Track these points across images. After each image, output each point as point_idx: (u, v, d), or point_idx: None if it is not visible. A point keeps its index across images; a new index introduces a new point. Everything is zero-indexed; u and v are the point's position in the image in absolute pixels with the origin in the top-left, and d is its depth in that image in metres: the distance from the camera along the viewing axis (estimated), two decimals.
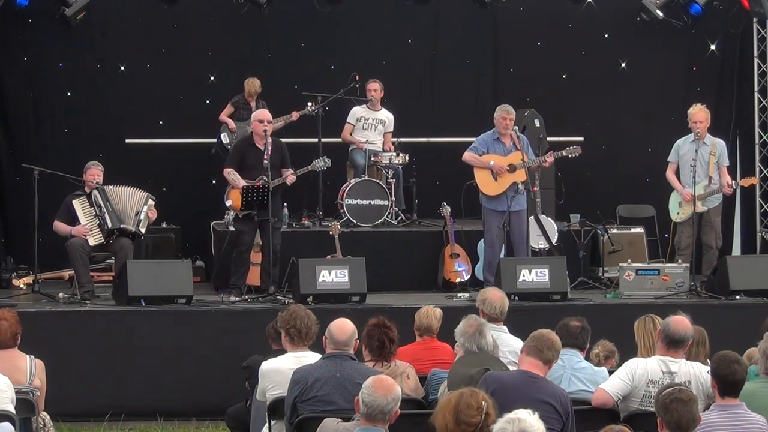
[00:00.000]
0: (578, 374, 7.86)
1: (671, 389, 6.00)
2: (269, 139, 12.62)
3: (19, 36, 14.90)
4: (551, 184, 14.61)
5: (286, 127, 14.56)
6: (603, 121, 16.03)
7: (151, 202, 12.58)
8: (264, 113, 13.03)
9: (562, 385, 7.47)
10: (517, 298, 11.87)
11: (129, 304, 11.73)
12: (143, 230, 12.57)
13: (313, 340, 7.86)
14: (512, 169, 12.75)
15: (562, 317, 8.18)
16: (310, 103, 14.34)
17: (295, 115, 14.52)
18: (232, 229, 13.06)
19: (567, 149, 13.17)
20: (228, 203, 12.81)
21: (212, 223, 14.18)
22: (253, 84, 14.56)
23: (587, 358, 8.32)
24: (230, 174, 12.74)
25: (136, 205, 12.49)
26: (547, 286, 12.24)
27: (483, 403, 5.38)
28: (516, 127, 12.94)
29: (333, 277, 12.01)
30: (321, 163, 13.20)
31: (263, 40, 15.58)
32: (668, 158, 13.53)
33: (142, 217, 12.49)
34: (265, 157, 12.59)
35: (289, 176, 12.75)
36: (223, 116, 14.79)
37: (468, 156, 12.97)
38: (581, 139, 15.63)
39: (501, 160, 12.82)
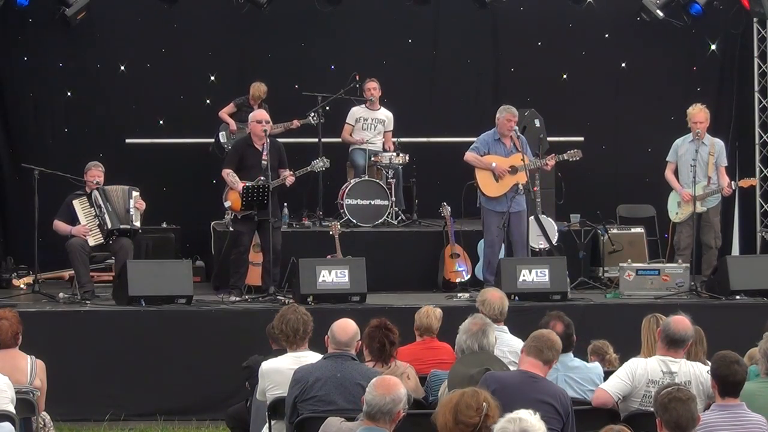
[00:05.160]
0: (573, 374, 7.89)
1: (670, 389, 6.00)
2: (267, 140, 12.65)
3: (19, 36, 14.91)
4: (551, 184, 14.62)
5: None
6: (603, 121, 16.03)
7: (135, 193, 12.54)
8: (262, 113, 13.05)
9: None
10: (517, 298, 11.87)
11: (129, 304, 11.73)
12: (138, 224, 12.56)
13: (309, 337, 7.86)
14: (514, 170, 12.75)
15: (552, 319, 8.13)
16: (312, 114, 14.33)
17: (295, 123, 14.55)
18: (231, 230, 13.06)
19: (568, 153, 13.16)
20: (227, 204, 12.81)
21: (212, 223, 14.19)
22: (258, 88, 14.56)
23: (583, 357, 8.35)
24: (229, 175, 12.74)
25: (125, 201, 12.49)
26: (547, 286, 12.24)
27: (483, 404, 5.37)
28: (516, 128, 12.92)
29: (333, 277, 12.01)
30: (320, 164, 13.20)
31: (263, 40, 15.58)
32: (667, 158, 13.53)
33: (132, 211, 12.47)
34: (264, 157, 12.62)
35: (288, 177, 12.77)
36: (223, 113, 14.81)
37: (470, 156, 12.96)
38: (581, 139, 15.65)
39: (503, 162, 12.81)
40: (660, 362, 7.38)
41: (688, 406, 5.90)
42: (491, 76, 16.11)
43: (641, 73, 15.96)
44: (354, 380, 7.08)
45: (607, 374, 7.82)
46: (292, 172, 12.86)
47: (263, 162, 12.64)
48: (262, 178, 12.58)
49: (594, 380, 7.91)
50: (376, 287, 12.52)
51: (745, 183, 13.89)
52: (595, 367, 8.13)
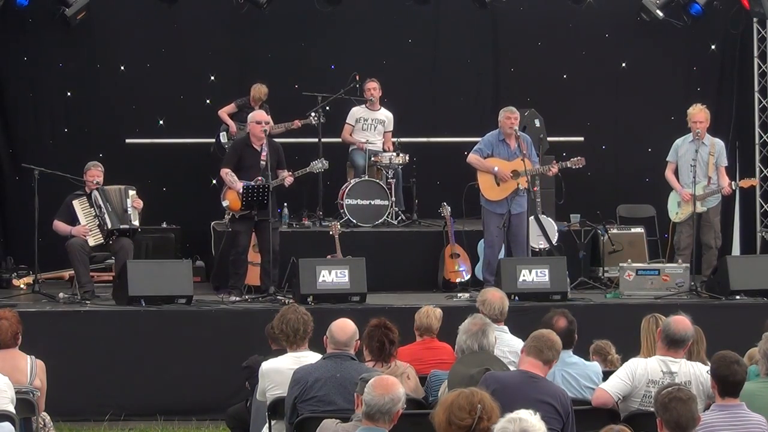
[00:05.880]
0: (570, 369, 7.91)
1: (670, 389, 5.99)
2: (266, 140, 12.67)
3: (19, 36, 14.90)
4: (551, 184, 14.61)
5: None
6: (603, 121, 16.03)
7: (131, 192, 12.54)
8: (261, 114, 13.08)
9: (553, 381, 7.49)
10: (517, 298, 11.87)
11: (129, 304, 11.73)
12: (137, 223, 12.56)
13: (309, 337, 7.86)
14: (516, 175, 12.74)
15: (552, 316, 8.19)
16: (313, 114, 14.34)
17: (297, 124, 14.55)
18: (229, 230, 13.08)
19: (571, 160, 13.19)
20: (225, 204, 12.83)
21: (212, 223, 14.19)
22: (259, 90, 14.54)
23: (584, 357, 8.35)
24: (228, 175, 12.76)
25: (122, 200, 12.49)
26: (547, 286, 12.24)
27: (478, 405, 5.33)
28: (516, 128, 12.90)
29: (333, 277, 12.01)
30: (319, 165, 13.22)
31: (263, 40, 15.58)
32: (667, 158, 13.53)
33: (130, 210, 12.48)
34: (262, 157, 12.64)
35: (287, 178, 12.79)
36: (223, 112, 14.79)
37: (473, 158, 12.95)
38: (581, 139, 15.66)
39: (505, 166, 12.79)
40: (660, 362, 7.38)
41: (689, 406, 5.89)
42: (491, 76, 16.10)
43: (641, 73, 15.96)
44: (354, 380, 7.04)
45: (607, 374, 7.83)
46: (291, 173, 12.87)
47: (262, 162, 12.66)
48: (260, 178, 12.60)
49: (591, 377, 7.94)
50: (376, 287, 12.52)
51: (745, 183, 13.88)
52: (594, 365, 8.15)
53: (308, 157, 13.51)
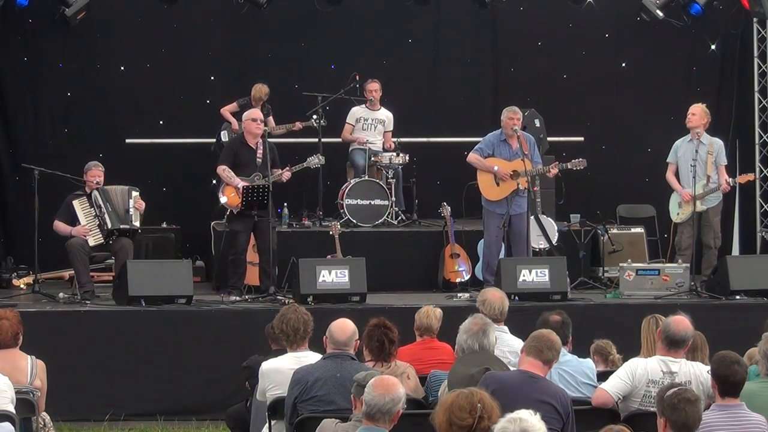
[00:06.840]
0: (565, 367, 7.92)
1: (677, 389, 5.98)
2: (261, 139, 12.68)
3: (19, 36, 14.91)
4: (551, 184, 14.60)
5: None
6: (603, 121, 16.03)
7: (135, 193, 12.55)
8: (256, 112, 13.13)
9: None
10: (517, 298, 11.87)
11: (129, 304, 11.73)
12: (137, 224, 12.57)
13: (309, 336, 7.87)
14: (516, 175, 12.73)
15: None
16: (315, 117, 14.35)
17: (298, 125, 14.56)
18: (227, 228, 13.08)
19: (572, 162, 13.14)
20: (223, 200, 12.84)
21: (212, 223, 14.20)
22: (260, 90, 14.54)
23: (570, 354, 8.36)
24: (225, 171, 12.80)
25: (124, 201, 12.49)
26: (547, 286, 12.24)
27: (478, 405, 5.34)
28: (516, 127, 12.89)
29: (333, 277, 12.01)
30: (315, 160, 13.23)
31: (263, 40, 15.58)
32: (667, 159, 13.53)
33: (131, 211, 12.48)
34: (258, 155, 12.65)
35: (285, 173, 12.80)
36: (225, 110, 14.79)
37: (473, 158, 12.95)
38: (581, 139, 15.66)
39: (505, 166, 12.78)
40: (660, 362, 7.38)
41: (697, 407, 5.91)
42: (491, 76, 16.11)
43: (641, 73, 15.96)
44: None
45: (608, 374, 7.83)
46: (288, 168, 12.89)
47: (258, 159, 12.68)
48: (258, 174, 12.62)
49: (587, 373, 7.98)
50: (376, 287, 12.52)
51: (742, 179, 13.83)
52: (587, 361, 8.21)
53: (308, 157, 13.49)
